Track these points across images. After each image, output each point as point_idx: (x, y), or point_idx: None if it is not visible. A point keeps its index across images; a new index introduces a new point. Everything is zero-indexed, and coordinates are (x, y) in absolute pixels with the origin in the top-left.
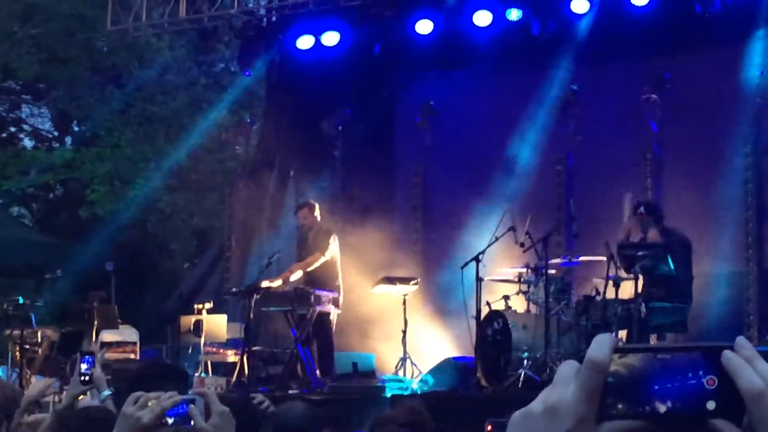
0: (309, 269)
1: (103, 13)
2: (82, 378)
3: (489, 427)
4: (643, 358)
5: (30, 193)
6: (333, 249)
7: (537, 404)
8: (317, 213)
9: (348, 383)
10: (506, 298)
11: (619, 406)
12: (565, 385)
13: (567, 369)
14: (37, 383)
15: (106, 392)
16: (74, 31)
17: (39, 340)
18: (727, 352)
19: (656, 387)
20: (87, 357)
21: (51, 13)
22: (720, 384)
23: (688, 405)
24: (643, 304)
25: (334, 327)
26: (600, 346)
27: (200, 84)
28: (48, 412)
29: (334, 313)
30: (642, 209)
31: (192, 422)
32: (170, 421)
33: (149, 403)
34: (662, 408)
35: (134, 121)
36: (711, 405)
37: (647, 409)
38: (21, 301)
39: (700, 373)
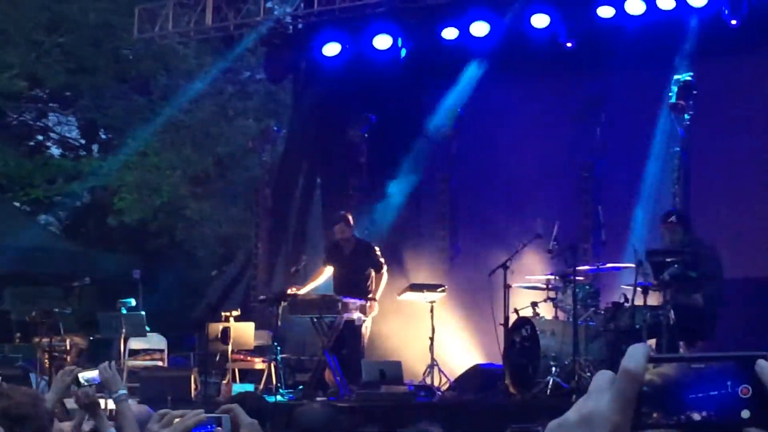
0: (380, 288)
1: (129, 22)
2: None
3: None
4: (677, 368)
5: (57, 201)
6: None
7: (572, 413)
8: (352, 224)
9: (375, 390)
10: (534, 305)
11: (654, 415)
12: (600, 394)
13: (602, 378)
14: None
15: (122, 391)
16: (101, 41)
17: (67, 347)
18: (761, 361)
19: (691, 396)
20: (94, 378)
21: (78, 22)
22: (754, 393)
23: (723, 414)
24: (672, 311)
25: (367, 334)
26: (635, 355)
27: (227, 93)
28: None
29: (368, 320)
30: (673, 218)
31: None
32: None
33: (174, 422)
34: (697, 417)
35: (161, 129)
36: (745, 414)
37: (682, 419)
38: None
39: (735, 382)
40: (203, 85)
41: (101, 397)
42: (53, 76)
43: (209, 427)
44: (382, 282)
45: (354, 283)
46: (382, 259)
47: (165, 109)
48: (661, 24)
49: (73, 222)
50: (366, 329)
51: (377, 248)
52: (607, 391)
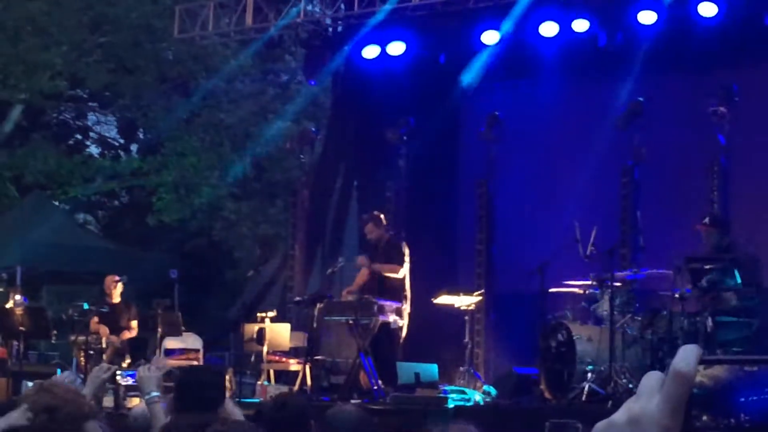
0: (384, 274)
1: (171, 23)
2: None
3: None
4: (729, 370)
5: (96, 200)
6: (407, 261)
7: (620, 415)
8: (383, 224)
9: (410, 393)
10: (571, 309)
11: (704, 418)
12: (650, 396)
13: (651, 380)
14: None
15: (155, 393)
16: (142, 41)
17: (104, 346)
18: None
19: (742, 399)
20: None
21: (120, 23)
22: None
23: None
24: (710, 318)
25: (402, 337)
26: (686, 357)
27: (268, 95)
28: None
29: (404, 324)
30: (707, 220)
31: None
32: None
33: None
34: (748, 421)
35: (200, 129)
36: None
37: (732, 422)
38: (86, 307)
39: None
40: (243, 85)
41: (135, 396)
42: (94, 75)
43: None
44: (392, 273)
45: (382, 281)
46: (407, 258)
47: (204, 110)
48: (703, 28)
49: (111, 221)
50: (401, 330)
51: (406, 248)
52: (656, 393)
